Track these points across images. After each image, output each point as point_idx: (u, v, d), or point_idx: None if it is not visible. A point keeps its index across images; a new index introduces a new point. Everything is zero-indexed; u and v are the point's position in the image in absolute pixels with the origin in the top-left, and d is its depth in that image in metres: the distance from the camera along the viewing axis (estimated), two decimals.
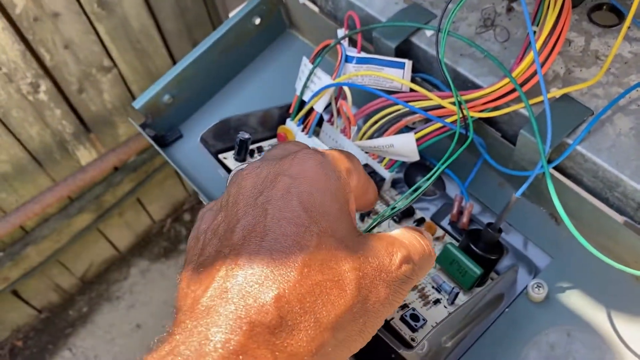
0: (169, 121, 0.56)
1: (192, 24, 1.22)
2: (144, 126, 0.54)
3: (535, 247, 0.43)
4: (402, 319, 0.37)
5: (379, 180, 0.46)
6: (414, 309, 0.37)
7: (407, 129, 0.45)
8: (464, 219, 0.43)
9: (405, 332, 0.36)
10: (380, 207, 0.46)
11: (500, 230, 0.40)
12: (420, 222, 0.44)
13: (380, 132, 0.45)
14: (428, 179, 0.38)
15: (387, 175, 0.46)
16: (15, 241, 1.24)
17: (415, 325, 0.36)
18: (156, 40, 1.19)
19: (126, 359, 1.32)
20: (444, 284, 0.40)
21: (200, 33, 1.24)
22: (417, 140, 0.43)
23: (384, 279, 0.27)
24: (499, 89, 0.40)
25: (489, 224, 0.40)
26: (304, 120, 0.48)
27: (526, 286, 0.41)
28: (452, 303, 0.39)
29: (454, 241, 0.43)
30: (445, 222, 0.45)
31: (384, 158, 0.46)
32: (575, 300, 0.40)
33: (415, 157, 0.43)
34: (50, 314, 1.47)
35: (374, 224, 0.37)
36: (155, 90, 0.53)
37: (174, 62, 1.26)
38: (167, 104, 0.55)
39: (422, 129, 0.43)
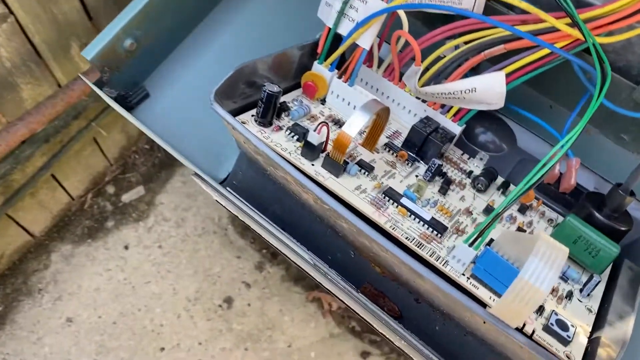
0: (130, 75, 0.41)
1: None
2: (100, 84, 0.39)
3: None
4: (548, 329, 0.27)
5: (449, 138, 0.35)
6: (555, 313, 0.28)
7: (471, 72, 0.34)
8: (572, 180, 0.33)
9: (558, 348, 0.26)
10: (453, 173, 0.35)
11: (632, 193, 0.31)
12: (506, 186, 0.34)
13: (439, 77, 0.34)
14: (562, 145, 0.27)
15: (457, 130, 0.35)
16: None
17: (568, 337, 0.26)
18: None
19: None
20: (570, 270, 0.30)
21: None
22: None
23: None
24: (622, 5, 0.30)
25: (619, 185, 0.31)
26: (338, 63, 0.36)
27: None
28: (588, 295, 0.29)
29: (553, 210, 0.34)
30: None
31: (451, 108, 0.35)
32: None
33: (501, 103, 0.33)
34: None
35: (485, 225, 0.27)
36: (114, 31, 0.38)
37: (85, 7, 1.05)
38: (129, 51, 0.40)
39: (506, 65, 0.33)
